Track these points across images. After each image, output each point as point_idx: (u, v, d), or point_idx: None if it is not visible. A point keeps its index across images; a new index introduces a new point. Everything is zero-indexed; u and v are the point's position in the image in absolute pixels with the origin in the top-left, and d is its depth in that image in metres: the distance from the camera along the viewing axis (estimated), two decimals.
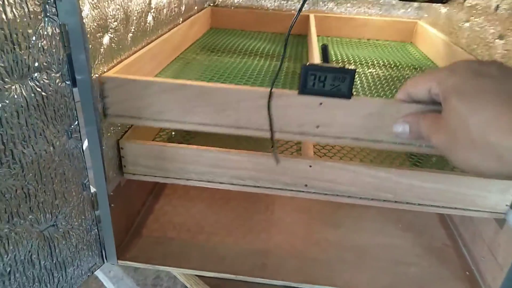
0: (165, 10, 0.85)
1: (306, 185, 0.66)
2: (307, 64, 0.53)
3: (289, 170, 0.65)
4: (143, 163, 0.68)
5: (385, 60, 1.01)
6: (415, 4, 1.19)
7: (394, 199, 0.65)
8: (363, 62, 0.99)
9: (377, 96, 0.76)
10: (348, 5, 1.23)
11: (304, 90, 0.54)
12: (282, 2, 1.25)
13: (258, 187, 0.67)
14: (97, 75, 0.57)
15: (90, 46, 0.54)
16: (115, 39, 0.62)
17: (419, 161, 0.78)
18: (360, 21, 1.22)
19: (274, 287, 0.71)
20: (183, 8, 0.99)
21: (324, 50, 0.60)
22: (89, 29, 0.53)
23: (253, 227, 0.83)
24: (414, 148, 0.57)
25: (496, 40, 0.75)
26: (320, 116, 0.56)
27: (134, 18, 0.69)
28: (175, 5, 0.93)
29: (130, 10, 0.67)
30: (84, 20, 0.52)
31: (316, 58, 0.81)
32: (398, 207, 0.66)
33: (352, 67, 0.53)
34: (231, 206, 0.89)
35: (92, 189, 0.64)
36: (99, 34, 0.57)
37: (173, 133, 0.85)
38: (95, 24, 0.55)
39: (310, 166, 0.64)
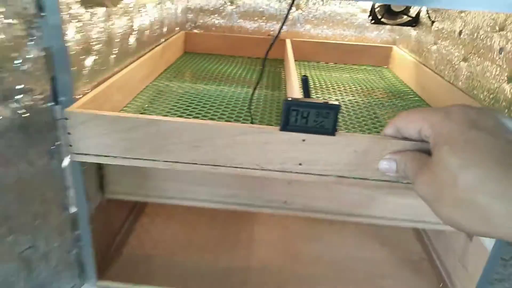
0: (147, 32, 0.87)
1: (285, 202, 0.68)
2: (290, 100, 0.50)
3: (269, 187, 0.67)
4: (124, 183, 0.68)
5: (363, 86, 1.02)
6: (388, 26, 1.25)
7: (370, 214, 0.68)
8: (341, 88, 0.99)
9: (358, 126, 0.74)
10: (325, 27, 1.28)
11: (286, 126, 0.51)
12: (262, 24, 1.29)
13: (238, 204, 0.69)
14: (80, 96, 0.58)
15: (74, 68, 0.56)
16: (98, 61, 0.63)
17: None
18: (337, 46, 1.27)
19: None
20: (165, 29, 1.02)
21: (305, 83, 0.58)
22: (72, 52, 0.55)
23: (234, 244, 0.84)
24: (401, 186, 0.53)
25: (461, 63, 0.80)
26: (303, 153, 0.52)
27: (117, 40, 0.71)
28: (157, 26, 0.95)
29: (113, 33, 0.69)
30: (68, 44, 0.53)
31: (294, 85, 0.78)
32: (374, 222, 0.69)
33: (335, 102, 0.50)
34: (212, 223, 0.90)
35: (73, 209, 0.64)
36: (82, 56, 0.58)
37: None
38: (79, 48, 0.57)
39: (289, 183, 0.66)
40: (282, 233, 0.89)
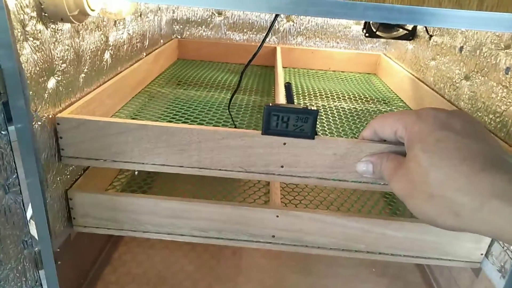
0: (125, 46, 0.81)
1: (273, 236, 0.62)
2: (270, 105, 0.52)
3: (255, 220, 0.60)
4: (95, 215, 0.62)
5: (350, 93, 1.01)
6: (382, 40, 1.20)
7: (365, 249, 0.62)
8: (329, 94, 0.98)
9: (342, 131, 0.75)
10: (317, 39, 1.23)
11: (267, 131, 0.53)
12: (252, 35, 1.24)
13: (222, 238, 0.62)
14: (40, 123, 0.52)
15: (31, 92, 0.49)
16: (63, 81, 0.57)
17: (394, 200, 0.75)
18: (325, 53, 1.22)
19: None
20: (146, 42, 0.96)
21: (288, 89, 0.58)
22: (29, 74, 0.48)
23: (220, 275, 0.77)
24: (378, 187, 0.56)
25: (463, 81, 0.75)
26: (284, 156, 0.55)
27: (88, 57, 0.64)
28: (137, 40, 0.89)
29: (83, 50, 0.62)
30: (23, 65, 0.47)
31: (280, 91, 0.80)
32: (371, 258, 0.62)
33: (314, 108, 0.52)
34: (196, 253, 0.83)
35: (36, 247, 0.57)
36: (42, 78, 0.52)
37: (136, 172, 0.80)
38: (37, 68, 0.50)
39: (277, 216, 0.60)
40: (272, 263, 0.82)
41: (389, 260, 0.62)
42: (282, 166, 0.56)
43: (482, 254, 0.61)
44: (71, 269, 0.66)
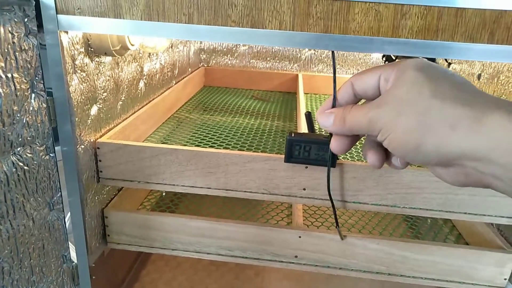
0: (157, 76, 0.87)
1: (296, 256, 0.64)
2: (292, 136, 0.56)
3: (279, 240, 0.63)
4: (128, 232, 0.65)
5: None
6: None
7: (387, 271, 0.63)
8: None
9: (358, 155, 0.76)
10: (338, 66, 1.27)
11: (289, 159, 0.57)
12: (274, 64, 1.29)
13: (246, 257, 0.65)
14: (83, 146, 0.57)
15: (77, 118, 0.54)
16: (104, 109, 0.63)
17: (415, 224, 0.76)
18: (345, 80, 1.25)
19: None
20: (176, 71, 1.02)
21: (308, 118, 0.61)
22: (76, 102, 0.54)
23: None
24: (398, 210, 0.59)
25: None
26: (306, 179, 0.58)
27: (125, 86, 0.70)
28: (168, 69, 0.95)
29: (121, 80, 0.68)
30: (71, 94, 0.52)
31: (302, 117, 0.81)
32: (392, 280, 0.63)
33: None
34: (220, 273, 0.85)
35: (73, 261, 0.61)
36: (86, 106, 0.57)
37: (163, 193, 0.84)
38: (83, 97, 0.56)
39: (300, 237, 0.62)
40: (294, 285, 0.83)
41: (410, 283, 0.63)
42: (304, 189, 0.59)
43: (506, 279, 0.61)
44: (103, 285, 0.69)
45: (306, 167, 0.57)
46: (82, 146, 0.57)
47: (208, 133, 0.85)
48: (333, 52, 0.50)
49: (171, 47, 0.96)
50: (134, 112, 0.75)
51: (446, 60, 0.95)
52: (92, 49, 0.56)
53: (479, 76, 0.79)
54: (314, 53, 1.27)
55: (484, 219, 0.58)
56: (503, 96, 0.69)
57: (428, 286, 0.83)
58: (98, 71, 0.59)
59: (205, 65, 1.31)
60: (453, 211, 0.58)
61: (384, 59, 1.06)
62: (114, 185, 0.63)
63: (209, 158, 0.59)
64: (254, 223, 0.63)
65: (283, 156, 0.57)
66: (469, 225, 0.70)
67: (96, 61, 0.58)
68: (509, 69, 0.69)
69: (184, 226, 0.63)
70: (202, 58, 1.30)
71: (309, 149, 0.55)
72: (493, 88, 0.73)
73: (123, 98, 0.69)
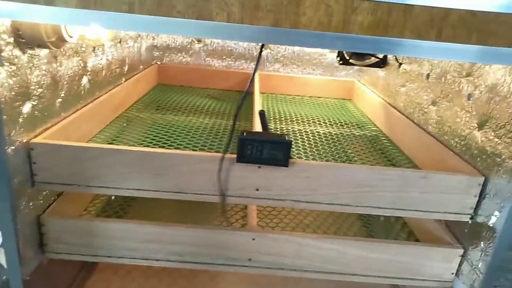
0: (104, 72, 0.82)
1: (250, 259, 0.62)
2: (244, 135, 0.54)
3: (231, 244, 0.60)
4: (68, 241, 0.60)
5: (325, 118, 1.04)
6: (357, 67, 1.25)
7: (341, 271, 0.62)
8: (305, 119, 1.01)
9: (318, 154, 0.76)
10: (294, 66, 1.27)
11: (241, 159, 0.55)
12: (230, 62, 1.27)
13: (198, 263, 0.62)
14: (13, 147, 0.51)
15: (5, 116, 0.49)
16: (39, 106, 0.57)
17: (369, 222, 0.77)
18: (302, 80, 1.26)
19: None
20: (126, 68, 0.97)
21: (262, 117, 0.60)
22: (4, 99, 0.48)
23: None
24: (351, 209, 0.58)
25: (430, 106, 0.78)
26: (259, 179, 0.57)
27: (65, 82, 0.65)
28: (117, 66, 0.90)
29: (60, 75, 0.63)
30: None
31: (257, 117, 0.81)
32: (346, 279, 0.63)
33: (288, 138, 0.54)
34: (172, 278, 0.81)
35: (4, 275, 0.55)
36: (17, 103, 0.52)
37: (112, 197, 0.79)
38: (13, 93, 0.50)
39: (254, 239, 0.60)
40: None
41: (364, 281, 0.63)
42: (257, 189, 0.57)
43: (453, 274, 0.62)
44: None
45: (259, 167, 0.56)
46: (12, 147, 0.51)
47: (158, 133, 0.80)
48: (262, 46, 0.52)
49: (120, 42, 0.91)
50: (77, 111, 0.69)
51: (397, 60, 0.97)
52: (23, 40, 0.51)
53: (427, 76, 0.81)
54: (271, 52, 1.26)
55: (433, 215, 0.59)
56: (450, 95, 0.71)
57: (381, 284, 0.84)
58: (31, 64, 0.54)
59: (159, 63, 1.26)
60: (404, 208, 0.59)
61: (338, 59, 1.07)
62: (50, 189, 0.58)
63: (157, 159, 0.55)
64: (204, 226, 0.60)
65: (235, 156, 0.55)
66: (419, 222, 0.72)
67: (29, 53, 0.53)
68: (455, 69, 0.71)
69: (130, 232, 0.59)
70: (155, 55, 1.25)
71: (261, 149, 0.54)
72: (440, 87, 0.75)
73: (62, 95, 0.64)
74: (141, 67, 1.11)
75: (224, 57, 1.26)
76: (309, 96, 1.27)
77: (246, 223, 0.70)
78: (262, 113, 0.61)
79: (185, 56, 1.26)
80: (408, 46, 0.44)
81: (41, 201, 0.60)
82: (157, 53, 1.25)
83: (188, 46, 1.25)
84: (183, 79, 1.26)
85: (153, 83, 1.21)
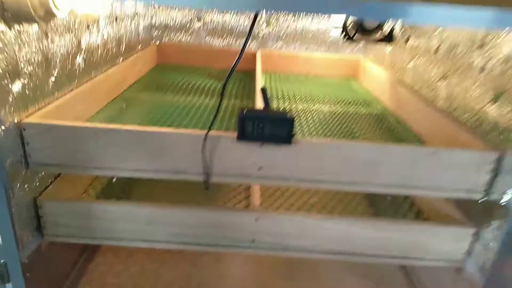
0: (100, 51, 0.79)
1: (253, 241, 0.60)
2: (244, 112, 0.51)
3: (234, 224, 0.59)
4: (67, 223, 0.59)
5: (330, 96, 1.01)
6: (361, 44, 1.21)
7: (347, 251, 0.61)
8: (309, 98, 0.98)
9: (322, 133, 0.74)
10: (297, 43, 1.23)
11: (242, 136, 0.52)
12: (231, 41, 1.23)
13: (200, 244, 0.60)
14: (3, 127, 0.49)
15: None
16: (30, 85, 0.55)
17: (375, 201, 0.75)
18: (305, 58, 1.22)
19: None
20: (123, 47, 0.94)
21: (264, 94, 0.57)
22: None
23: (200, 284, 0.75)
24: (357, 188, 0.56)
25: (440, 81, 0.75)
26: (261, 157, 0.54)
27: (58, 61, 0.62)
28: (113, 44, 0.87)
29: (52, 53, 0.60)
30: None
31: (259, 96, 0.79)
32: (352, 260, 0.61)
33: (290, 115, 0.51)
34: (174, 261, 0.80)
35: (2, 259, 0.54)
36: (6, 80, 0.49)
37: (113, 179, 0.77)
38: (0, 70, 0.48)
39: (256, 220, 0.58)
40: (253, 268, 0.80)
41: (371, 262, 0.61)
42: (259, 168, 0.55)
43: (463, 253, 0.60)
44: (43, 281, 0.63)
45: (261, 145, 0.53)
46: (3, 127, 0.49)
47: (157, 113, 0.78)
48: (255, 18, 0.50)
49: (116, 20, 0.88)
50: (72, 90, 0.67)
51: (404, 35, 0.93)
52: (8, 15, 0.48)
53: (436, 50, 0.77)
54: (273, 30, 1.22)
55: (443, 194, 0.57)
56: (460, 69, 0.68)
57: (388, 264, 0.82)
58: (19, 41, 0.51)
59: (158, 42, 1.23)
60: (412, 186, 0.56)
61: (343, 35, 1.03)
62: (45, 171, 0.57)
63: (154, 138, 0.53)
64: (206, 207, 0.58)
65: (235, 134, 0.52)
66: (428, 201, 0.69)
67: (17, 29, 0.50)
68: (466, 41, 0.67)
69: (129, 214, 0.58)
70: (154, 35, 1.22)
71: (263, 126, 0.51)
72: (450, 62, 0.72)
73: (55, 73, 0.62)
74: (139, 46, 1.08)
75: (224, 35, 1.23)
76: (313, 75, 1.23)
77: (249, 204, 0.69)
78: (263, 90, 0.58)
79: (184, 35, 1.23)
80: (418, 11, 0.41)
81: (37, 184, 0.58)
82: (156, 32, 1.22)
83: (188, 25, 1.22)
84: (183, 59, 1.23)
85: (152, 64, 1.18)
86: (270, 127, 0.51)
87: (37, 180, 0.58)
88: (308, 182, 0.56)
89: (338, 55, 1.23)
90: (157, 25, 1.21)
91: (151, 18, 1.19)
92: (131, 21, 0.99)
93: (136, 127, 0.53)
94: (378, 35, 1.00)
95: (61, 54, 0.63)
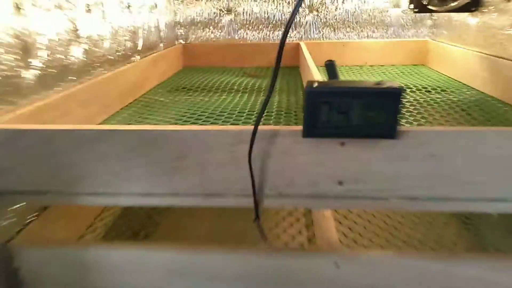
0: (107, 42, 0.62)
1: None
2: (315, 85, 0.31)
3: (302, 274, 0.38)
4: (54, 278, 0.40)
5: (402, 85, 0.78)
6: (429, 22, 0.98)
7: None
8: None
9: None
10: (348, 29, 1.02)
11: (312, 130, 0.31)
12: (268, 33, 1.04)
13: None
14: None
15: None
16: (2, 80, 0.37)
17: (479, 228, 0.52)
18: (359, 46, 1.00)
19: None
20: (139, 43, 0.77)
21: (331, 68, 0.36)
22: None
23: None
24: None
25: None
26: (343, 164, 0.33)
27: (43, 47, 0.45)
28: (126, 37, 0.70)
29: (34, 36, 0.43)
30: None
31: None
32: None
33: (395, 84, 0.30)
34: None
35: None
36: None
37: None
38: None
39: (337, 265, 0.37)
40: None
41: None
42: (340, 183, 0.34)
43: None
44: None
45: (343, 144, 0.33)
46: None
47: (183, 115, 0.59)
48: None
49: (128, 7, 0.71)
50: (66, 90, 0.50)
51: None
52: None
53: None
54: (317, 15, 1.02)
55: None
56: None
57: None
58: None
59: (184, 42, 1.06)
60: None
61: (412, 6, 0.80)
62: (13, 202, 0.39)
63: (171, 141, 0.34)
64: (256, 250, 0.38)
65: (299, 128, 0.33)
66: None
67: None
68: None
69: (141, 262, 0.38)
70: (179, 33, 1.05)
71: (347, 109, 0.30)
72: None
73: (39, 65, 0.44)
74: (161, 45, 0.91)
75: (260, 27, 1.04)
76: (370, 65, 1.01)
77: (313, 236, 0.48)
78: (330, 64, 0.37)
79: (213, 31, 1.05)
80: None
81: (14, 219, 0.40)
82: (181, 30, 1.05)
83: (216, 18, 1.04)
84: (214, 59, 1.05)
85: (177, 66, 1.01)
86: (360, 110, 0.30)
87: (8, 216, 0.40)
88: (422, 201, 0.34)
89: (399, 40, 1.01)
90: (181, 21, 1.04)
91: (175, 14, 1.02)
92: (148, 12, 0.83)
93: (143, 126, 0.35)
94: (459, 2, 0.77)
95: (49, 39, 0.46)
